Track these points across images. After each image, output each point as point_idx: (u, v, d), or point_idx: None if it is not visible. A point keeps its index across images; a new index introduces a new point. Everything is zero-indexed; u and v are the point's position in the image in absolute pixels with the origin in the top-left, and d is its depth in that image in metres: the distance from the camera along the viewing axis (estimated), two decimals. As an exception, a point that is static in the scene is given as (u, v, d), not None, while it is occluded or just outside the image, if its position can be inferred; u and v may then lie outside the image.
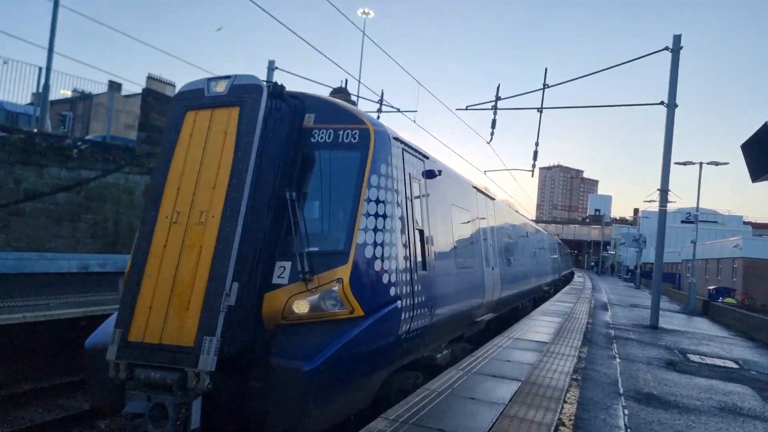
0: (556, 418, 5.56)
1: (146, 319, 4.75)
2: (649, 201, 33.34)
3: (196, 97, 5.50)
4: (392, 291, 5.69)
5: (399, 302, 5.77)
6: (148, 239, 5.08)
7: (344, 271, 5.20)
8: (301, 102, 6.00)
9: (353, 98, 22.87)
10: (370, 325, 5.28)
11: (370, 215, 5.57)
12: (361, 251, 5.38)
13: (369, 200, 5.59)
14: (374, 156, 5.74)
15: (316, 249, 5.30)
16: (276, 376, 4.75)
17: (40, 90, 18.73)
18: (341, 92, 21.59)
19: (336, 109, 6.01)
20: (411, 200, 6.49)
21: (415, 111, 19.87)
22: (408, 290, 6.01)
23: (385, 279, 5.61)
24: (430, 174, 7.33)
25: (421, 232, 6.72)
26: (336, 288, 5.14)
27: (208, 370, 4.40)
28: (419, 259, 6.50)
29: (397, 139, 6.32)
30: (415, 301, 6.19)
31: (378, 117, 17.89)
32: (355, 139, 5.78)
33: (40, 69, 18.63)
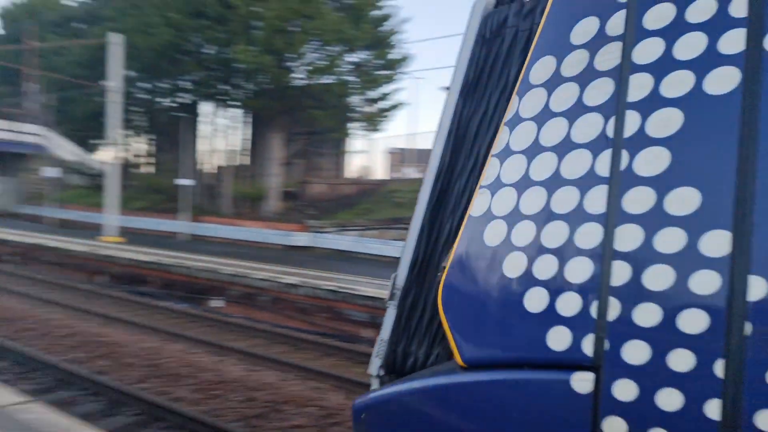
0: None
1: None
2: None
3: None
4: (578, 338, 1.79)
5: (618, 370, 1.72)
6: None
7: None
8: None
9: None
10: (469, 386, 2.08)
11: (514, 153, 2.04)
12: (480, 224, 2.13)
13: (518, 118, 2.05)
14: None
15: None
16: None
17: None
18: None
19: None
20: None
21: None
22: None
23: (533, 300, 1.87)
24: None
25: None
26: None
27: (369, 371, 3.23)
28: None
29: None
30: None
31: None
32: None
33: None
